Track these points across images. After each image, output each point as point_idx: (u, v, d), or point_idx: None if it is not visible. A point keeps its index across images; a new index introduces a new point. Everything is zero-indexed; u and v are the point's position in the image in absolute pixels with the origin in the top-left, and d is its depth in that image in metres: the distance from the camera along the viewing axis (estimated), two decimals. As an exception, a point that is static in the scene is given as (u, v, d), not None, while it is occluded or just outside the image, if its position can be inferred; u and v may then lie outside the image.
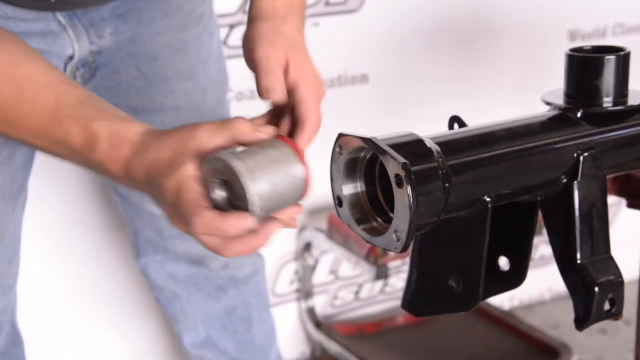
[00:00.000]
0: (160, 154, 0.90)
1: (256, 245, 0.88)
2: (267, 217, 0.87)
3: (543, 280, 2.34)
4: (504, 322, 2.18)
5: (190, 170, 0.88)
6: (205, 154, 0.89)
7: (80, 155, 0.95)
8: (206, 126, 0.90)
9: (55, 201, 1.87)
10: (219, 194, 0.88)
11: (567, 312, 0.93)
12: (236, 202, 0.87)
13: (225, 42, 1.90)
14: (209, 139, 0.89)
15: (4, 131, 0.99)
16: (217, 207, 0.88)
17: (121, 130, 0.93)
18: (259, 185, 0.84)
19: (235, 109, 1.58)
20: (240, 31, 1.87)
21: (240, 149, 0.89)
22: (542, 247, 2.34)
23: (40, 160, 1.38)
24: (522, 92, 2.11)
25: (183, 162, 0.88)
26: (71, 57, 1.24)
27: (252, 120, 0.97)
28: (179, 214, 0.89)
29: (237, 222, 0.85)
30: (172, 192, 0.88)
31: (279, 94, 1.03)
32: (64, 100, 0.96)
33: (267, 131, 0.92)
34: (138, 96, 1.34)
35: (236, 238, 0.87)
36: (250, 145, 0.90)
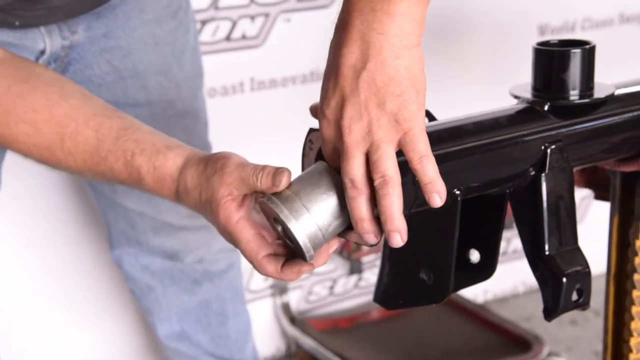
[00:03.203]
0: (205, 197, 0.90)
1: (316, 267, 0.88)
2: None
3: (516, 274, 2.35)
4: (477, 315, 2.19)
5: (239, 219, 0.88)
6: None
7: (130, 185, 0.97)
8: (235, 175, 0.87)
9: (29, 195, 1.86)
10: (276, 227, 0.87)
11: (539, 305, 0.94)
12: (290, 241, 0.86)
13: (197, 39, 1.89)
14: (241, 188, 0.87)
15: (54, 166, 1.02)
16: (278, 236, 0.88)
17: (161, 165, 0.94)
18: (308, 231, 0.83)
19: (207, 106, 1.58)
20: (212, 27, 1.88)
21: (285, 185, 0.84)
22: (515, 240, 2.35)
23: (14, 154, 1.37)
24: (491, 85, 2.12)
25: (231, 214, 0.87)
26: (42, 52, 1.24)
27: None
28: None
29: (296, 275, 0.87)
30: (229, 238, 0.89)
31: None
32: (104, 135, 0.98)
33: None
34: (110, 91, 1.34)
35: None
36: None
